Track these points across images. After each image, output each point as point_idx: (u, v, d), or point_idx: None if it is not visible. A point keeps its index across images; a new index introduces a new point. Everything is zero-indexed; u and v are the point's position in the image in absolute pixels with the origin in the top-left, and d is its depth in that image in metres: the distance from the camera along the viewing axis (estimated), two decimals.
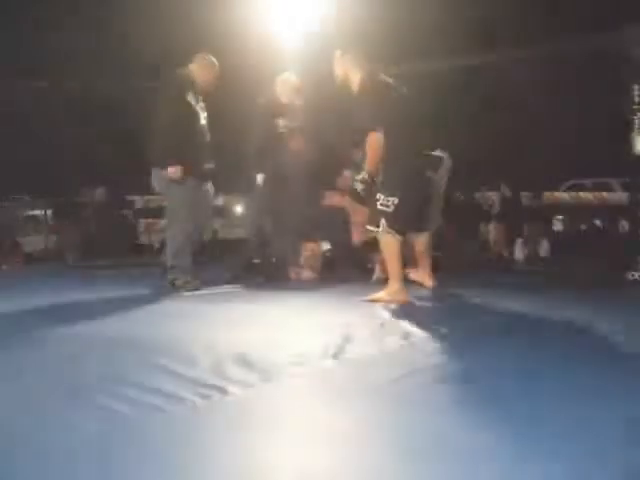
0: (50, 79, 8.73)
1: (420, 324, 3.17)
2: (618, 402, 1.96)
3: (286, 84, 5.66)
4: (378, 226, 4.10)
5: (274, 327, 3.27)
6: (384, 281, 5.11)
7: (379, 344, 2.74)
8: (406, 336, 2.89)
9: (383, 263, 5.35)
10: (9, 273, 7.05)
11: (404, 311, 3.67)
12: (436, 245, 6.67)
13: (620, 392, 2.08)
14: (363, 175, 4.24)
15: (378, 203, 4.09)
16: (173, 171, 4.68)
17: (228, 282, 5.14)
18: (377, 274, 5.32)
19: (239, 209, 9.36)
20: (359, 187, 4.26)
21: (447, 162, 5.60)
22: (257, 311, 3.80)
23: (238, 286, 5.00)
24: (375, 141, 4.13)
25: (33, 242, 9.13)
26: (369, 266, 5.55)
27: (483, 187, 9.05)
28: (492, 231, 7.92)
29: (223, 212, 9.33)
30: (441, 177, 5.56)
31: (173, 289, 4.70)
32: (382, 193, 4.12)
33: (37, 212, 11.07)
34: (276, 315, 3.65)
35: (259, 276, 5.38)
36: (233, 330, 3.13)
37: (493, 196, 8.20)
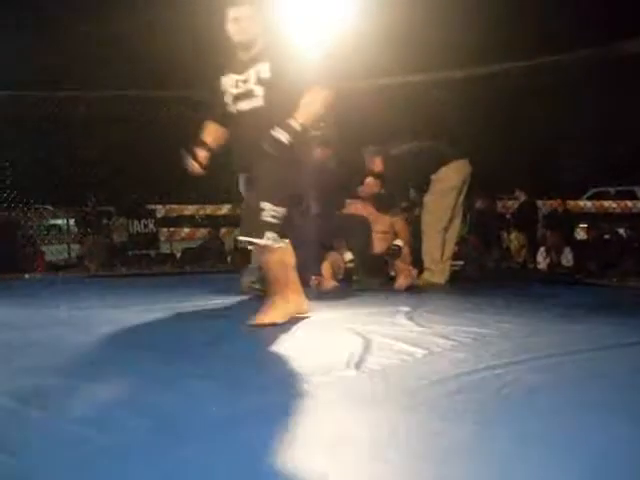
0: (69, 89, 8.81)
1: (442, 335, 3.15)
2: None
3: None
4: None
5: (292, 337, 3.25)
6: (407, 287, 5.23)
7: (400, 354, 2.73)
8: (428, 346, 2.88)
9: (403, 271, 5.42)
10: (30, 281, 7.11)
11: (425, 320, 3.65)
12: (459, 254, 6.75)
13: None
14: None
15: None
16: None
17: (245, 291, 5.02)
18: (400, 282, 5.33)
19: None
20: None
21: (467, 168, 5.71)
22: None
23: (255, 295, 4.87)
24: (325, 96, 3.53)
25: (55, 251, 9.20)
26: (391, 274, 5.57)
27: (504, 195, 9.01)
28: (514, 240, 7.87)
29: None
30: (463, 184, 5.67)
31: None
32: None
33: (59, 221, 11.17)
34: (294, 324, 3.61)
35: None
36: (253, 340, 3.13)
37: (514, 204, 8.15)
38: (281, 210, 3.47)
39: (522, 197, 8.22)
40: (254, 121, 3.48)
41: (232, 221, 8.82)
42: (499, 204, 8.85)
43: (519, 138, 8.59)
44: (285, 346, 2.98)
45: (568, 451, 1.64)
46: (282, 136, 3.36)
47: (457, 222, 5.82)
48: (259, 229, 3.43)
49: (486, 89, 7.05)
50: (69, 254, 9.14)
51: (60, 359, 2.75)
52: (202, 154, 3.75)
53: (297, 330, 3.47)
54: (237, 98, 3.57)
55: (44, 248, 8.87)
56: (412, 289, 5.21)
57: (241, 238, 3.75)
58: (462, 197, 5.72)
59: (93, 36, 13.94)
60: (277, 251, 3.53)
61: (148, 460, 1.59)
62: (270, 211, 3.42)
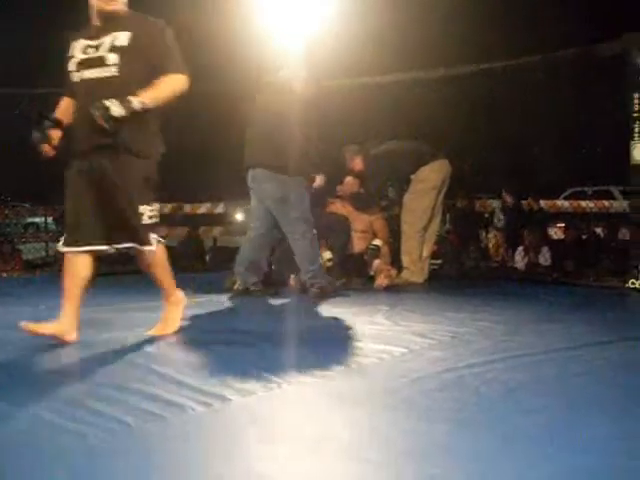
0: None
1: (421, 334, 3.17)
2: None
3: None
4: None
5: (273, 336, 3.22)
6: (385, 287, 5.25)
7: (379, 353, 2.74)
8: (407, 345, 2.89)
9: (382, 270, 5.44)
10: (6, 280, 7.04)
11: (404, 318, 3.67)
12: (438, 253, 6.76)
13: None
14: None
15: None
16: (319, 182, 4.96)
17: (227, 291, 4.99)
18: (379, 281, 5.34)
19: (240, 216, 9.33)
20: None
21: (447, 168, 5.74)
22: (257, 320, 3.81)
23: (237, 296, 4.85)
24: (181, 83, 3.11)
25: (33, 250, 9.11)
26: (371, 273, 5.56)
27: (483, 194, 9.04)
28: (492, 239, 7.90)
29: (224, 219, 9.28)
30: (443, 183, 5.70)
31: (318, 295, 4.63)
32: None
33: (37, 219, 11.05)
34: (274, 325, 3.63)
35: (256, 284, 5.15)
36: (233, 340, 3.12)
37: (493, 203, 8.18)
38: (156, 206, 3.12)
39: (508, 199, 8.25)
40: (100, 92, 2.95)
41: (211, 220, 8.77)
42: (477, 203, 8.83)
43: (497, 138, 8.64)
44: (260, 347, 2.95)
45: (547, 448, 1.65)
46: (116, 108, 2.87)
47: (436, 221, 5.85)
48: (143, 234, 3.04)
49: (465, 89, 7.08)
50: (47, 252, 9.04)
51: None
52: (55, 134, 3.15)
53: (276, 330, 3.47)
54: (81, 64, 3.07)
55: (21, 247, 8.78)
56: (391, 288, 5.21)
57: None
58: (441, 197, 5.74)
59: None
60: (161, 251, 3.20)
61: None
62: (148, 212, 3.06)
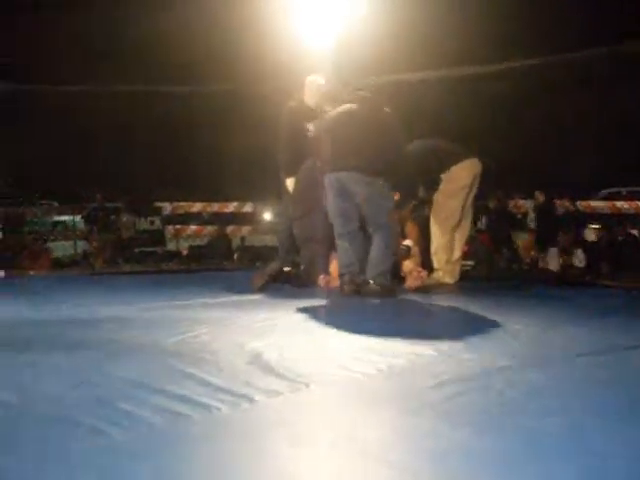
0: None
1: (451, 335, 3.14)
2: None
3: (312, 87, 5.78)
4: None
5: (300, 335, 3.26)
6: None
7: (407, 354, 2.72)
8: (435, 346, 2.87)
9: (413, 272, 5.42)
10: (35, 278, 7.14)
11: (435, 320, 3.64)
12: (469, 254, 6.74)
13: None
14: None
15: None
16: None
17: (257, 290, 5.12)
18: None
19: (268, 216, 9.39)
20: None
21: (477, 167, 5.71)
22: (283, 319, 3.80)
23: (266, 294, 4.99)
24: None
25: (61, 248, 9.24)
26: (401, 275, 5.52)
27: (516, 194, 8.99)
28: (524, 240, 7.86)
29: (253, 219, 9.35)
30: (473, 183, 5.67)
31: (385, 293, 4.74)
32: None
33: (66, 217, 11.20)
34: (302, 323, 3.64)
35: (288, 284, 5.38)
36: (260, 338, 3.12)
37: (526, 204, 8.14)
38: None
39: (541, 198, 8.19)
40: None
41: (239, 219, 8.85)
42: (510, 204, 8.79)
43: (530, 137, 8.61)
44: (289, 343, 2.97)
45: (572, 454, 1.63)
46: None
47: (467, 222, 5.83)
48: None
49: (494, 87, 7.06)
50: (75, 251, 9.16)
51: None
52: None
53: (300, 327, 3.49)
54: None
55: (50, 244, 8.91)
56: (422, 290, 5.20)
57: None
58: (472, 196, 5.72)
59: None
60: None
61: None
62: None
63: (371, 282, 4.84)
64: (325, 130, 5.09)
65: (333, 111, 5.13)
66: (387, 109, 5.06)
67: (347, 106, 5.03)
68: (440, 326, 3.41)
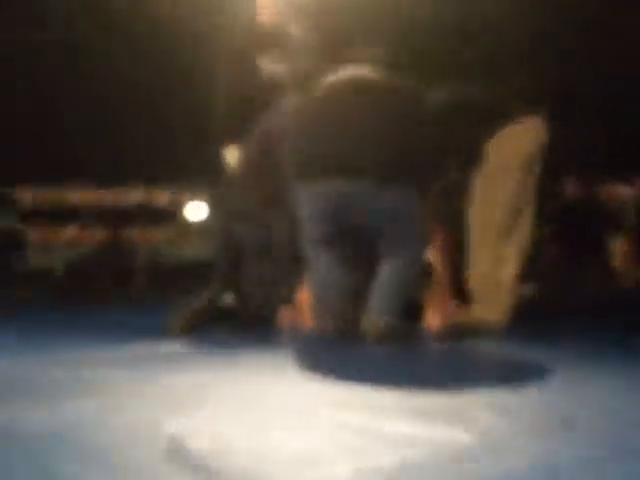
0: None
1: (500, 410, 2.95)
2: None
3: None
4: None
5: (247, 410, 3.08)
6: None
7: (430, 443, 2.54)
8: (474, 426, 2.71)
9: (436, 303, 5.36)
10: None
11: (471, 385, 3.57)
12: (531, 274, 6.66)
13: None
14: None
15: None
16: None
17: (178, 335, 5.15)
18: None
19: (194, 212, 9.39)
20: None
21: (543, 134, 5.64)
22: (220, 383, 3.68)
23: (192, 342, 5.01)
24: None
25: None
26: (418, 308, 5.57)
27: (608, 179, 9.02)
28: (622, 248, 7.89)
29: (169, 219, 9.46)
30: (536, 158, 5.65)
31: (393, 338, 4.79)
32: None
33: None
34: (250, 390, 3.51)
35: (228, 324, 5.41)
36: (182, 416, 2.95)
37: (623, 192, 8.17)
38: None
39: None
40: None
41: (148, 216, 8.88)
42: (599, 193, 8.89)
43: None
44: (235, 423, 2.77)
45: None
46: None
47: (526, 221, 5.75)
48: None
49: None
50: None
51: None
52: None
53: (255, 395, 3.33)
54: None
55: None
56: (450, 333, 5.20)
57: None
58: (533, 179, 5.66)
59: None
60: None
61: None
62: None
63: (373, 318, 4.84)
64: (309, 113, 5.22)
65: (324, 80, 5.21)
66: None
67: (349, 73, 5.13)
68: (481, 395, 3.30)
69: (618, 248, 8.08)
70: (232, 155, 5.89)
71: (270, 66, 5.82)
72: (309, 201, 5.04)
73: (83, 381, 3.65)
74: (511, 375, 3.92)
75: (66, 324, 6.34)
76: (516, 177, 5.55)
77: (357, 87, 5.10)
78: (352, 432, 2.73)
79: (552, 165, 5.84)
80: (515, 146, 5.55)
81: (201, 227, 7.41)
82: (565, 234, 7.99)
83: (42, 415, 2.92)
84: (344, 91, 5.11)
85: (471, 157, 5.64)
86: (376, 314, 4.87)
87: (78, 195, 8.36)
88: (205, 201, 8.24)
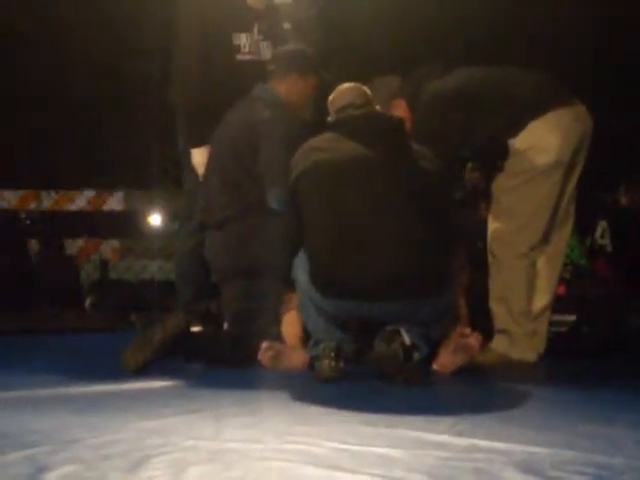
0: None
1: (529, 468, 3.00)
2: None
3: None
4: None
5: (217, 471, 3.01)
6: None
7: None
8: None
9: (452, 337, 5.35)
10: None
11: (491, 441, 3.54)
12: (569, 302, 6.70)
13: None
14: None
15: None
16: None
17: (133, 371, 5.18)
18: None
19: (157, 219, 9.32)
20: None
21: (585, 124, 5.77)
22: (182, 436, 3.60)
23: (151, 380, 5.02)
24: None
25: None
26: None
27: None
28: None
29: (125, 225, 9.40)
30: (575, 156, 5.70)
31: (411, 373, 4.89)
32: None
33: None
34: (220, 445, 3.45)
35: (196, 359, 5.53)
36: (135, 477, 2.88)
37: None
38: None
39: None
40: None
41: (97, 225, 8.89)
42: None
43: None
44: None
45: None
46: None
47: (563, 235, 5.87)
48: None
49: None
50: None
51: None
52: None
53: (220, 457, 3.23)
54: None
55: None
56: (468, 373, 5.23)
57: None
58: (573, 184, 5.74)
59: None
60: None
61: None
62: None
63: (381, 346, 4.95)
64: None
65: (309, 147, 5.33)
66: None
67: (351, 146, 5.20)
68: (502, 451, 3.29)
69: None
70: (199, 156, 6.06)
71: (249, 41, 6.02)
72: (321, 304, 5.15)
73: (12, 432, 3.59)
74: (560, 417, 4.08)
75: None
76: (553, 178, 5.61)
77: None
78: None
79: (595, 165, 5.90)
80: (551, 140, 5.60)
81: (164, 238, 7.37)
82: (615, 250, 7.97)
83: None
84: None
85: (495, 154, 5.75)
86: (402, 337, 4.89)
87: (10, 195, 8.28)
88: (171, 207, 8.20)
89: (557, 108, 5.64)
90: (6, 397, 4.46)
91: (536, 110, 5.63)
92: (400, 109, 5.95)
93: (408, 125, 5.76)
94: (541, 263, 5.74)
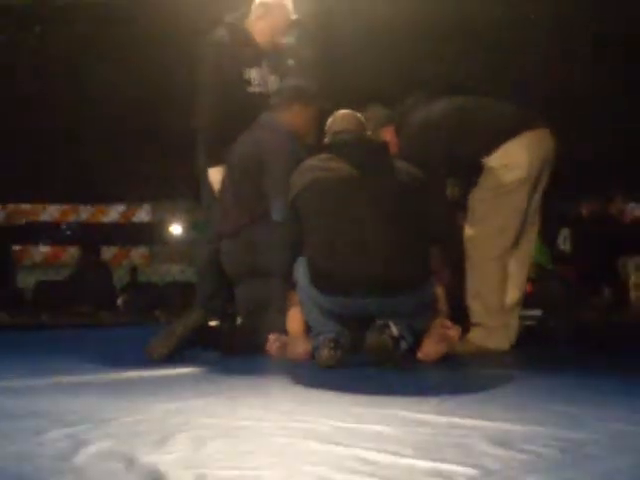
0: None
1: (502, 442, 2.96)
2: None
3: (264, 10, 6.31)
4: None
5: (233, 442, 3.02)
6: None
7: (435, 475, 2.46)
8: (479, 463, 2.58)
9: (434, 329, 5.32)
10: None
11: (471, 419, 3.51)
12: (536, 298, 6.71)
13: None
14: None
15: None
16: None
17: (157, 359, 5.24)
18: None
19: (178, 230, 9.32)
20: None
21: (548, 145, 5.77)
22: (201, 413, 3.62)
23: (173, 367, 5.03)
24: None
25: None
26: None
27: (619, 197, 9.01)
28: (634, 272, 7.91)
29: (152, 235, 9.39)
30: (541, 173, 5.73)
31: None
32: None
33: None
34: (235, 422, 3.42)
35: (213, 349, 5.56)
36: (161, 448, 2.88)
37: (635, 210, 8.21)
38: None
39: None
40: None
41: (128, 235, 8.87)
42: (612, 208, 8.93)
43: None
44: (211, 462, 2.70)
45: None
46: None
47: (530, 240, 5.88)
48: None
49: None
50: None
51: None
52: None
53: (235, 430, 3.22)
54: None
55: None
56: (448, 360, 5.24)
57: None
58: (539, 196, 5.76)
59: None
60: None
61: None
62: None
63: (373, 337, 4.92)
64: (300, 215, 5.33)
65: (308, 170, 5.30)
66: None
67: (342, 166, 5.24)
68: (481, 427, 3.26)
69: (633, 273, 8.06)
70: (215, 175, 6.15)
71: (258, 76, 6.15)
72: (320, 301, 5.20)
73: (46, 411, 3.63)
74: (529, 396, 4.05)
75: (33, 347, 6.44)
76: (521, 192, 5.63)
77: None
78: (336, 466, 2.69)
79: (560, 180, 5.90)
80: (520, 158, 5.62)
81: (185, 247, 7.42)
82: (575, 255, 8.01)
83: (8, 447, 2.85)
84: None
85: (471, 171, 5.76)
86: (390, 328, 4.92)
87: (53, 209, 8.30)
88: (191, 219, 8.29)
89: (525, 131, 5.66)
90: (48, 382, 4.52)
91: (508, 133, 5.63)
92: (388, 135, 6.01)
93: (394, 149, 5.81)
94: (512, 264, 5.74)
